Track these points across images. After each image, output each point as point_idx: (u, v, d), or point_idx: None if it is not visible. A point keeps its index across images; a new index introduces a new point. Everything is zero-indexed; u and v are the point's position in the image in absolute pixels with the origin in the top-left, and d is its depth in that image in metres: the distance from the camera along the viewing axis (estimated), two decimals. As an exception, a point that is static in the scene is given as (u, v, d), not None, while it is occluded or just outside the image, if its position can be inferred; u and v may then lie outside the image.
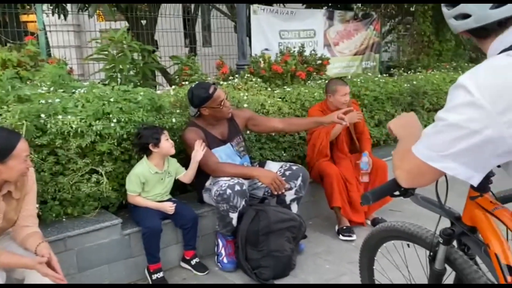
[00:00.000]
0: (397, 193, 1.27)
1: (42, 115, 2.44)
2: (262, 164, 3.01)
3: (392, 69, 6.67)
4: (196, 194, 2.99)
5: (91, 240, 2.48)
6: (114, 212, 2.72)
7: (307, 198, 3.27)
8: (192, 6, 8.50)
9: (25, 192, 1.99)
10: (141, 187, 2.61)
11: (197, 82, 3.17)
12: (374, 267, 1.86)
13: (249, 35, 5.50)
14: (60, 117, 2.47)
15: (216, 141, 2.86)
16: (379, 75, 5.47)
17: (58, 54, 5.32)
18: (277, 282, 2.61)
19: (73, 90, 2.91)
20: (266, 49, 5.46)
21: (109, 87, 2.91)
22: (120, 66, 3.69)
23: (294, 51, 4.76)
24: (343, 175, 3.21)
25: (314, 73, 4.79)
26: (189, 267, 2.76)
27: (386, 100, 4.47)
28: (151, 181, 2.63)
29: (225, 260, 2.78)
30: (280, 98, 3.81)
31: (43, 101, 2.55)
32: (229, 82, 4.05)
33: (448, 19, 1.09)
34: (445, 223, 1.42)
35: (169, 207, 2.64)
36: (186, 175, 2.77)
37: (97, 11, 6.60)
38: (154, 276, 2.60)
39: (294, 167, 2.88)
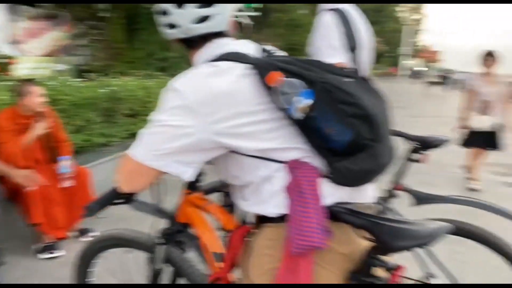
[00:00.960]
0: (120, 200, 1.25)
1: None
2: None
3: (86, 73, 6.50)
4: None
5: None
6: None
7: (-3, 219, 2.78)
8: None
9: None
10: None
11: None
12: (91, 278, 1.76)
13: None
14: None
15: None
16: (74, 79, 5.22)
17: None
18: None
19: None
20: None
21: None
22: None
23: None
24: (42, 188, 2.89)
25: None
26: None
27: (84, 105, 4.31)
28: None
29: None
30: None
31: None
32: None
33: (161, 26, 1.14)
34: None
35: None
36: None
37: None
38: None
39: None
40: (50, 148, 3.18)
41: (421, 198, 2.02)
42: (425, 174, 4.47)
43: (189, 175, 1.06)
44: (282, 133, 1.01)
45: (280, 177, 1.02)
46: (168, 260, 1.50)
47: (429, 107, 15.41)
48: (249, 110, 0.99)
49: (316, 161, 1.01)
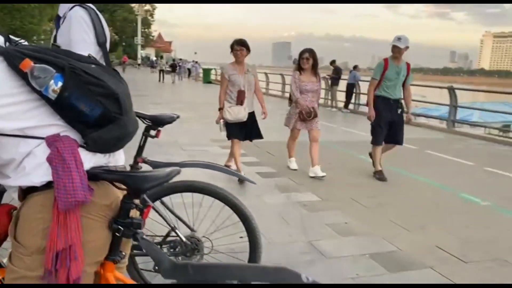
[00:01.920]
0: None
1: None
2: None
3: None
4: None
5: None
6: None
7: None
8: None
9: None
10: None
11: None
12: None
13: None
14: None
15: None
16: None
17: None
18: None
19: None
20: None
21: None
22: None
23: None
24: None
25: None
26: None
27: None
28: None
29: None
30: None
31: None
32: None
33: None
34: None
35: None
36: None
37: None
38: None
39: None
40: None
41: (157, 166, 2.43)
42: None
43: None
44: (40, 112, 1.17)
45: (41, 151, 1.18)
46: None
47: (167, 95, 16.53)
48: (5, 92, 1.12)
49: (73, 134, 1.22)
